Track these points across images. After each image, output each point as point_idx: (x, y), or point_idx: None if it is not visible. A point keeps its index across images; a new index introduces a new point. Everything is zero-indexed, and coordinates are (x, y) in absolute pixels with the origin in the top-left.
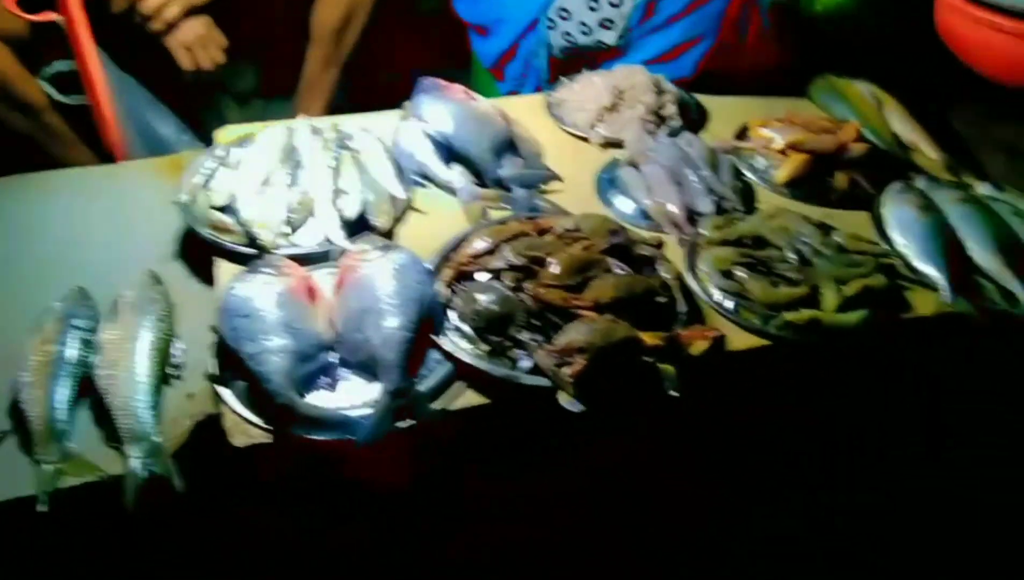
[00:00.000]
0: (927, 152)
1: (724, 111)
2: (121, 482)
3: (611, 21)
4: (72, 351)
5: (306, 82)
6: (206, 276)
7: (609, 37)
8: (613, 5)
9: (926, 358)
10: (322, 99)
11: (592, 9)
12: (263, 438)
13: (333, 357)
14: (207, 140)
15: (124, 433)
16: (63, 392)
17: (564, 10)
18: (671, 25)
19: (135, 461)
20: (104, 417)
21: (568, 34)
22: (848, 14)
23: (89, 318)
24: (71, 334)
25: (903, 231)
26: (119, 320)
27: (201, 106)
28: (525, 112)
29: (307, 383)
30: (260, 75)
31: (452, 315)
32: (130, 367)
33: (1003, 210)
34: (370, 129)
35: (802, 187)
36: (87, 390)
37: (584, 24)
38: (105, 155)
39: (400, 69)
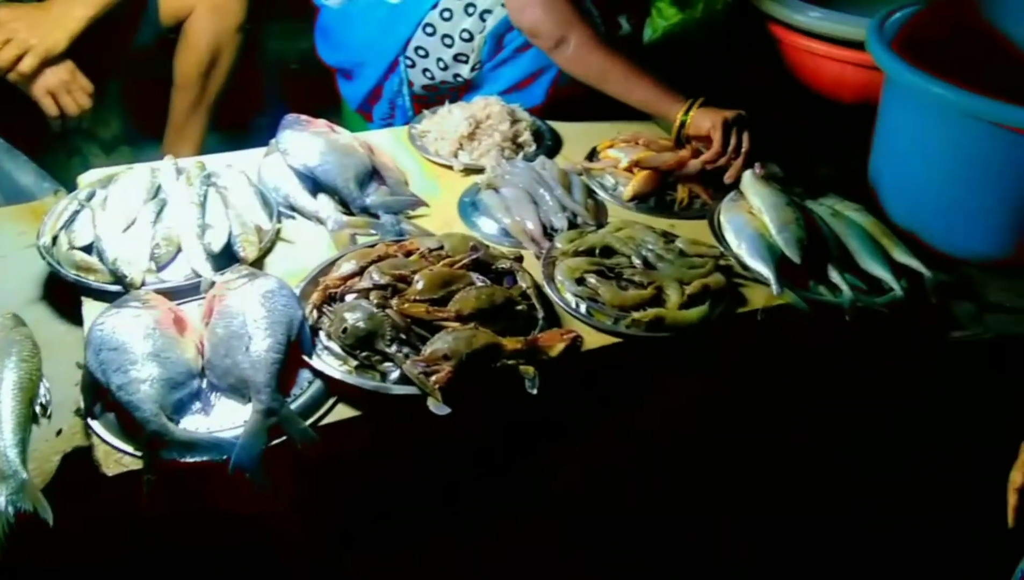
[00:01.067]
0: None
1: (576, 136)
2: None
3: (465, 56)
4: None
5: (173, 126)
6: (73, 317)
7: (464, 71)
8: (465, 40)
9: (762, 346)
10: (191, 143)
11: (447, 45)
12: (136, 465)
13: (203, 383)
14: (72, 188)
15: None
16: None
17: (421, 48)
18: (519, 56)
19: (1, 498)
20: None
21: (427, 71)
22: (681, 36)
23: None
24: None
25: (736, 234)
26: None
27: (66, 153)
28: (391, 144)
29: (179, 409)
30: (125, 121)
31: (322, 336)
32: None
33: (823, 212)
34: (235, 165)
35: (647, 201)
36: None
37: (440, 60)
38: None
39: (273, 112)
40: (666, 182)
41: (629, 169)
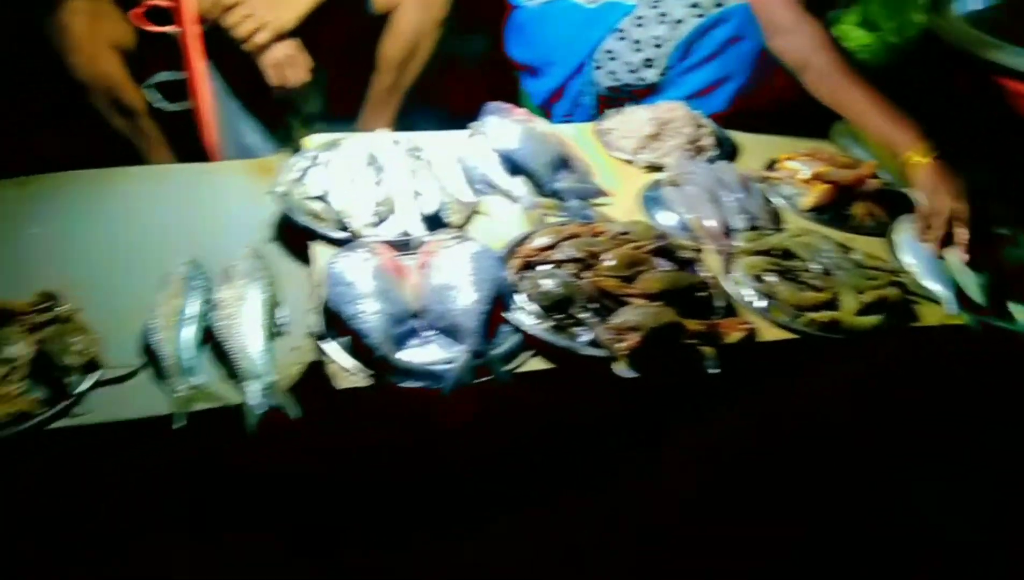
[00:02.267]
0: None
1: (753, 147)
2: (242, 410)
3: (653, 61)
4: (194, 305)
5: (370, 107)
6: (299, 256)
7: (651, 75)
8: (656, 46)
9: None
10: (383, 124)
11: (637, 50)
12: (362, 382)
13: (419, 323)
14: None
15: (242, 371)
16: (189, 336)
17: (610, 52)
18: (706, 64)
19: (254, 393)
20: (223, 362)
21: (614, 73)
22: (867, 61)
23: (205, 281)
24: (193, 293)
25: (913, 254)
26: (232, 283)
27: (272, 123)
28: (576, 138)
29: (399, 342)
30: (325, 99)
31: (519, 298)
32: (245, 320)
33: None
34: (443, 144)
35: (824, 213)
36: (206, 342)
37: (628, 63)
38: (186, 159)
39: (452, 103)
40: (844, 197)
41: (808, 181)
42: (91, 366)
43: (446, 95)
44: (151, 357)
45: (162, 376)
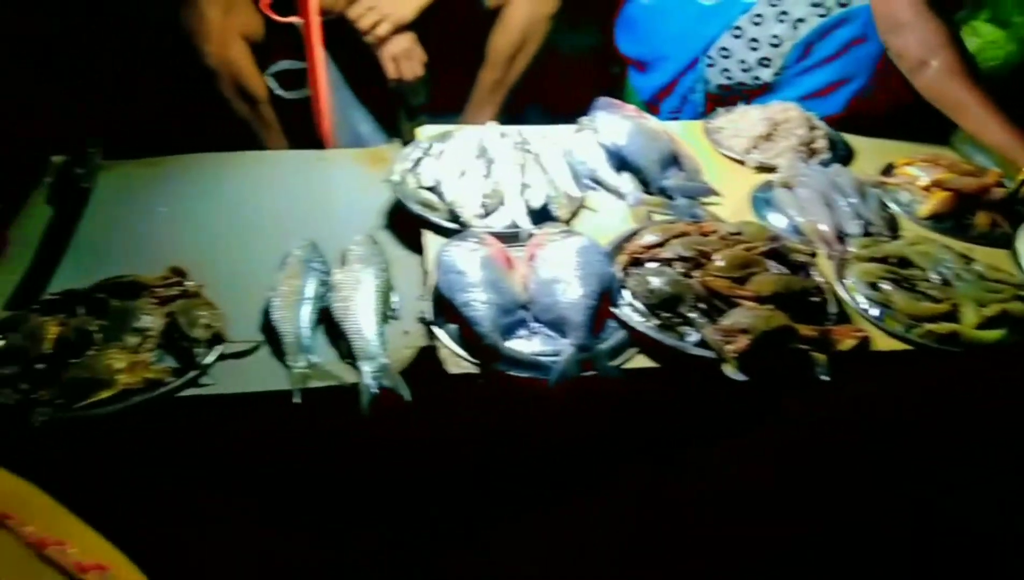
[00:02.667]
0: None
1: (869, 151)
2: (357, 389)
3: (769, 60)
4: (312, 286)
5: (476, 100)
6: (411, 244)
7: (766, 74)
8: (773, 45)
9: None
10: (488, 117)
11: (753, 49)
12: (472, 368)
13: (527, 314)
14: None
15: (357, 352)
16: (307, 315)
17: (725, 49)
18: (825, 65)
19: (368, 374)
20: (338, 342)
21: (727, 71)
22: (997, 57)
23: (323, 263)
24: (311, 274)
25: None
26: (349, 266)
27: (387, 114)
28: (686, 134)
29: (507, 332)
30: (432, 92)
31: (626, 294)
32: (361, 302)
33: None
34: (549, 137)
35: (944, 222)
36: (323, 321)
37: (744, 62)
38: (301, 146)
39: (558, 98)
40: (965, 206)
41: (928, 188)
42: (216, 339)
43: (552, 90)
44: (271, 334)
45: (281, 353)
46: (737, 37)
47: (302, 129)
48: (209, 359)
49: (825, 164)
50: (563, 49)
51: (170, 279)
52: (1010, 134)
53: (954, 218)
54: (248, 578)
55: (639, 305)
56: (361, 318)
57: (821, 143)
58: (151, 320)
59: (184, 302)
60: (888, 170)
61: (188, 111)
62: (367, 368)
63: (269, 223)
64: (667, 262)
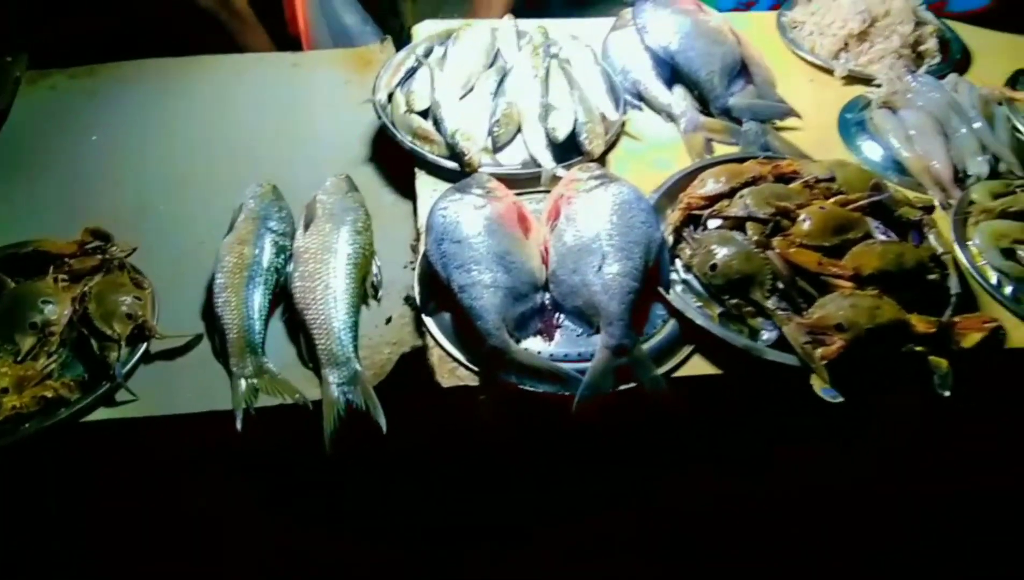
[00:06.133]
0: None
1: (992, 50)
2: (319, 409)
3: None
4: (268, 255)
5: None
6: (402, 186)
7: None
8: None
9: None
10: (502, 11)
11: None
12: (471, 381)
13: (547, 298)
14: (397, 39)
15: (322, 354)
16: (258, 299)
17: None
18: None
19: (334, 387)
20: (297, 332)
21: None
22: None
23: (282, 221)
24: (266, 237)
25: None
26: (316, 226)
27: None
28: (755, 32)
29: (521, 325)
30: None
31: (679, 266)
32: (328, 281)
33: None
34: (579, 37)
35: None
36: (279, 298)
37: None
38: (284, 43)
39: None
40: None
41: None
42: (140, 334)
43: None
44: (211, 323)
45: (223, 353)
46: None
47: (275, 24)
48: (130, 364)
49: (934, 72)
50: None
51: (88, 245)
52: None
53: None
54: None
55: (697, 286)
56: (326, 303)
57: (931, 43)
58: (54, 310)
59: (103, 280)
60: (1015, 80)
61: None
62: (333, 378)
63: (225, 154)
64: (736, 224)
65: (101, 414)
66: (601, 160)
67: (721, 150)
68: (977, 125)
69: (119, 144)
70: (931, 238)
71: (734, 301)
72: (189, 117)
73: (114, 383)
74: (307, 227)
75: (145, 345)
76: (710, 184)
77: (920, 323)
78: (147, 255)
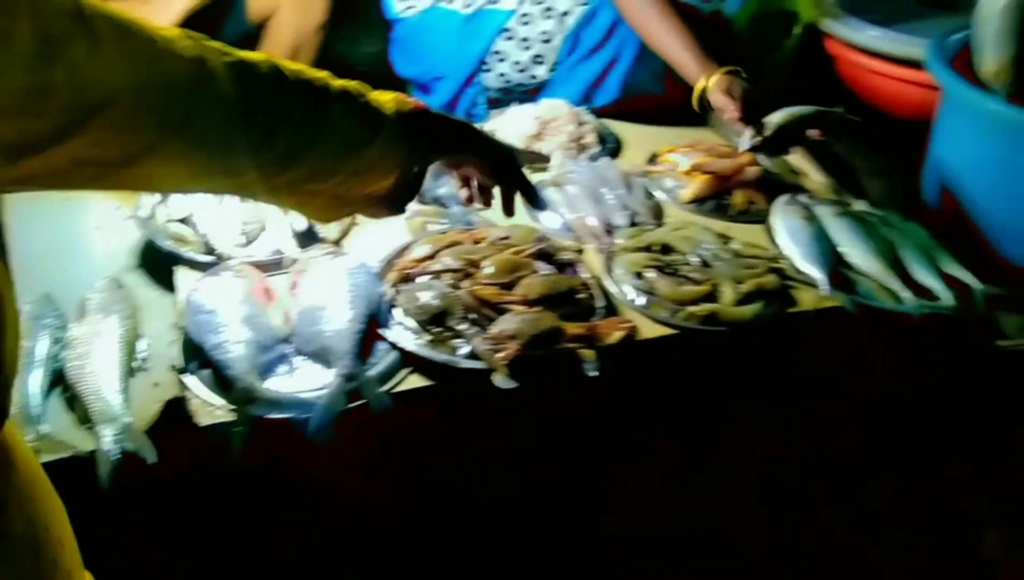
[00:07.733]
0: (813, 177)
1: (637, 139)
2: (95, 458)
3: (542, 56)
4: (43, 346)
5: None
6: (166, 283)
7: (542, 72)
8: (544, 41)
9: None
10: None
11: (525, 48)
12: (226, 418)
13: (289, 348)
14: None
15: (95, 415)
16: (35, 382)
17: (499, 52)
18: (596, 53)
19: (107, 438)
20: (75, 406)
21: (503, 75)
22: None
23: (57, 317)
24: (41, 332)
25: (789, 237)
26: (86, 319)
27: None
28: None
29: (267, 370)
30: None
31: (397, 313)
32: (99, 358)
33: (875, 222)
34: None
35: (705, 204)
36: (59, 384)
37: (517, 63)
38: None
39: None
40: (724, 187)
41: (688, 172)
42: None
43: None
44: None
45: None
46: (508, 39)
47: None
48: None
49: (594, 159)
50: (353, 59)
51: None
52: (692, 53)
53: (714, 199)
54: None
55: (410, 323)
56: (100, 375)
57: (590, 138)
58: None
59: None
60: (653, 159)
61: None
62: (107, 432)
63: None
64: (437, 275)
65: None
66: (338, 244)
67: (436, 229)
68: (619, 191)
69: None
70: (580, 271)
71: (437, 329)
72: None
73: None
74: (79, 319)
75: None
76: (419, 249)
77: (572, 327)
78: None
